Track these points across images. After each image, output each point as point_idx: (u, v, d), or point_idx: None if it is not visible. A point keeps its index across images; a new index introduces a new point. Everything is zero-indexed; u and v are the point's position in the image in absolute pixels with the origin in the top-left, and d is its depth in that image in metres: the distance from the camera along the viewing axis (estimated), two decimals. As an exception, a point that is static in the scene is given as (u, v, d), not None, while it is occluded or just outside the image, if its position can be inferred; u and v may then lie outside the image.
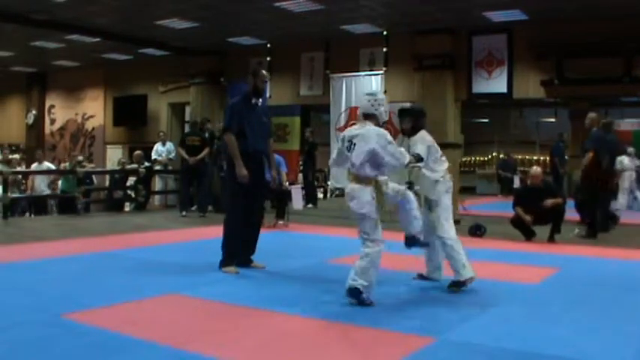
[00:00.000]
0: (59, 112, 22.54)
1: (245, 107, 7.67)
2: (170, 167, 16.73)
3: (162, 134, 17.16)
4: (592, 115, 11.79)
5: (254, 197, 7.77)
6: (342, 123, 14.45)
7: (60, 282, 6.74)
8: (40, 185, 15.85)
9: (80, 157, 18.08)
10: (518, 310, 5.86)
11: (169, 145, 16.71)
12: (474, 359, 4.41)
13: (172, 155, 16.57)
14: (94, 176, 17.00)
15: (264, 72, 7.94)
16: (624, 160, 15.77)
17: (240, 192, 7.56)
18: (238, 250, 7.68)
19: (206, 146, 14.30)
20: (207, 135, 14.76)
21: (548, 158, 21.01)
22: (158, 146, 16.67)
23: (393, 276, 7.32)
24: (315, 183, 18.41)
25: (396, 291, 6.60)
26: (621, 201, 15.50)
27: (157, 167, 16.61)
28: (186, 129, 17.93)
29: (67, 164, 17.92)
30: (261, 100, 7.89)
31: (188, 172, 14.25)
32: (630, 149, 15.99)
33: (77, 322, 5.08)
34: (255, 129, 7.65)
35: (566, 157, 18.34)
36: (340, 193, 22.11)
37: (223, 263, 7.54)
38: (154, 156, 16.58)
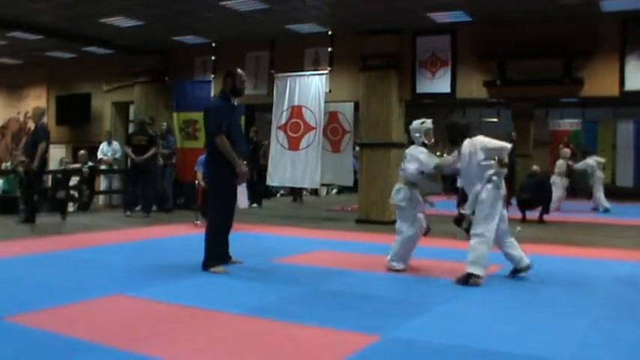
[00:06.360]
0: (0, 110, 22.09)
1: (227, 109, 7.66)
2: (115, 167, 16.58)
3: (108, 133, 17.00)
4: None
5: (234, 198, 7.95)
6: (284, 121, 14.38)
7: (2, 284, 6.62)
8: None
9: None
10: (462, 307, 5.96)
11: (115, 144, 16.56)
12: (418, 356, 4.48)
13: (118, 155, 16.43)
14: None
15: (241, 72, 7.90)
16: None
17: (229, 193, 7.70)
18: (222, 251, 7.79)
19: (153, 145, 14.20)
20: (153, 134, 14.68)
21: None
22: (104, 145, 16.54)
23: (338, 274, 7.39)
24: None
25: (343, 289, 6.67)
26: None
27: (103, 167, 16.44)
28: (131, 128, 17.77)
29: (9, 164, 17.57)
30: (235, 101, 7.91)
31: (135, 171, 14.15)
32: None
33: (21, 325, 5.01)
34: (236, 131, 7.72)
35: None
36: (286, 192, 22.05)
37: (210, 264, 7.53)
38: (99, 155, 16.43)
